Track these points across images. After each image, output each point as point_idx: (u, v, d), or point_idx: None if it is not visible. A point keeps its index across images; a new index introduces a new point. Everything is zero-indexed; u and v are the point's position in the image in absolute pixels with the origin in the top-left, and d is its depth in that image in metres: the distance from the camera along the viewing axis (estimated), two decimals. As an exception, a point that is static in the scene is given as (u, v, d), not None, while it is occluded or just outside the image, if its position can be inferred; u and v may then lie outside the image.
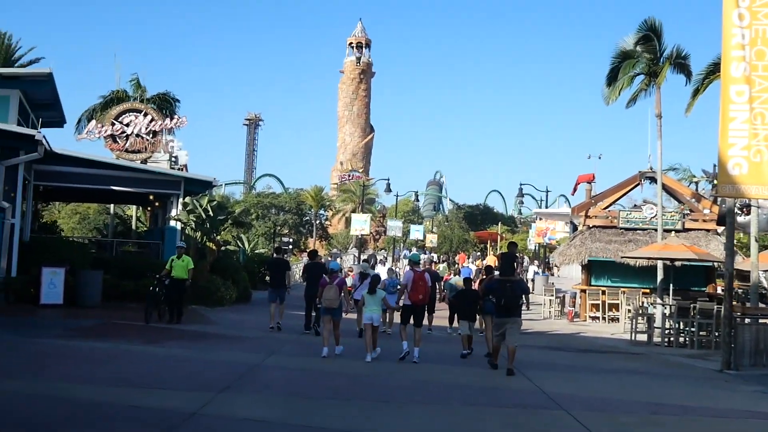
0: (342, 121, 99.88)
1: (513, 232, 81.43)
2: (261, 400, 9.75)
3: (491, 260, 48.82)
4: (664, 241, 21.93)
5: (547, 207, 43.90)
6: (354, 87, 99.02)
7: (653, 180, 28.97)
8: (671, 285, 21.56)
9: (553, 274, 46.33)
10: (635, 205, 30.20)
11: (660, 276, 23.07)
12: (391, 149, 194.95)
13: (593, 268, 27.70)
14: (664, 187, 29.61)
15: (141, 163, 25.53)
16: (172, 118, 26.89)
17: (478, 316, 16.72)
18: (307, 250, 26.85)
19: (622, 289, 26.41)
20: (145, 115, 26.52)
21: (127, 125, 26.13)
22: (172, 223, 24.65)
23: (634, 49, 23.31)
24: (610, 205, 29.18)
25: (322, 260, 22.40)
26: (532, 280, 40.81)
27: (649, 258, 22.36)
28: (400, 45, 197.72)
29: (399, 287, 16.23)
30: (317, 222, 74.93)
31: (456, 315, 17.24)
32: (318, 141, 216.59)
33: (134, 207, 37.76)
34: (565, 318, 27.60)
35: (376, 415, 9.37)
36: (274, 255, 21.44)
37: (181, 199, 24.26)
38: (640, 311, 21.57)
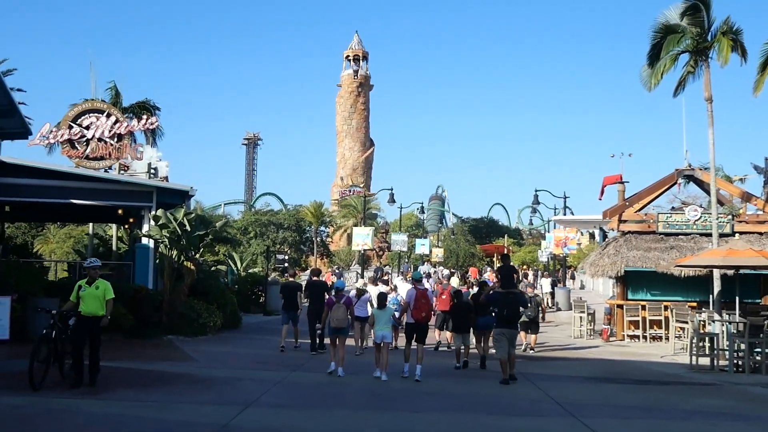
0: (341, 135, 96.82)
1: (519, 244, 78.69)
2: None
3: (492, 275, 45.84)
4: (726, 245, 18.39)
5: (565, 215, 40.21)
6: (352, 100, 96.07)
7: (692, 179, 25.62)
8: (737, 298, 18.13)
9: (564, 286, 42.43)
10: (673, 208, 26.64)
11: (717, 287, 19.62)
12: (392, 164, 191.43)
13: (629, 280, 24.22)
14: (704, 187, 26.25)
15: (105, 171, 22.04)
16: (140, 120, 23.25)
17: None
18: (310, 269, 24.66)
19: (665, 303, 22.99)
20: (108, 116, 22.66)
21: (87, 128, 22.35)
22: (144, 240, 21.21)
23: (680, 22, 19.88)
24: (643, 208, 25.78)
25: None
26: (552, 294, 37.19)
27: (711, 266, 18.83)
28: (398, 56, 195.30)
29: (401, 304, 16.08)
30: (318, 239, 71.60)
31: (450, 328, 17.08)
32: (317, 157, 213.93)
33: (114, 225, 34.29)
34: (599, 337, 24.11)
35: None
36: (289, 278, 20.76)
37: (153, 212, 20.81)
38: (702, 331, 18.04)
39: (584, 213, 40.57)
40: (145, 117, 22.84)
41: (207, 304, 21.91)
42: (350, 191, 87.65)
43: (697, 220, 23.74)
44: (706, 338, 17.65)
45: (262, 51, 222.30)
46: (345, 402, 11.27)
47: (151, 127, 23.09)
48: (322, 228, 76.12)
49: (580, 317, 24.86)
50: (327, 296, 16.73)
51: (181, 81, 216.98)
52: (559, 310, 34.87)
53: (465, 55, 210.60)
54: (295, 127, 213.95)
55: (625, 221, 24.69)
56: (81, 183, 20.55)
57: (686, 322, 20.34)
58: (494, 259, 60.60)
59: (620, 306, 24.02)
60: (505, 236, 74.02)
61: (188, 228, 20.48)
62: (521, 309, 14.45)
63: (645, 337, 23.25)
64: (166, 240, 20.25)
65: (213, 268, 35.34)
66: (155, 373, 13.66)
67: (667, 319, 22.67)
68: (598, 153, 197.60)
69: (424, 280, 33.84)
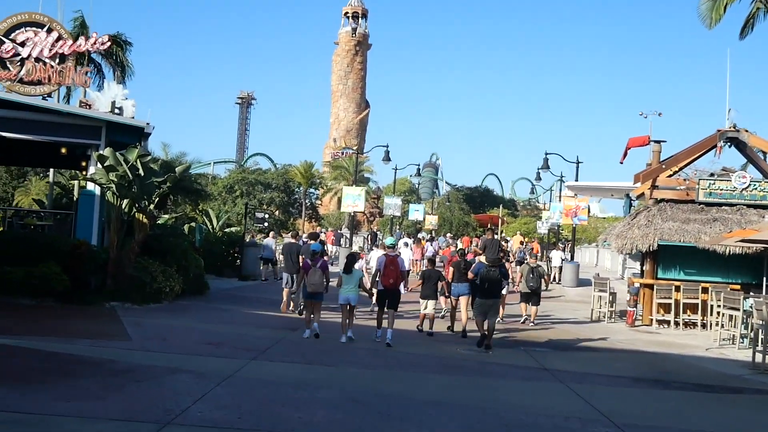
0: (336, 95, 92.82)
1: (514, 215, 76.09)
2: None
3: (518, 240, 42.79)
4: (806, 217, 14.85)
5: (577, 180, 36.35)
6: (349, 59, 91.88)
7: (734, 142, 22.03)
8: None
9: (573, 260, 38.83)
10: (712, 174, 23.10)
11: (776, 267, 16.21)
12: (387, 128, 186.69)
13: (661, 256, 20.74)
14: (747, 152, 22.75)
15: (43, 99, 18.19)
16: (87, 38, 19.09)
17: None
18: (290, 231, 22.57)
19: (702, 285, 19.59)
20: (50, 31, 18.44)
21: (23, 45, 18.21)
22: (89, 186, 17.62)
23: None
24: (674, 173, 22.29)
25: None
26: (560, 268, 33.81)
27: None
28: (399, 15, 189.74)
29: (372, 271, 16.70)
30: (307, 201, 68.00)
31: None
32: (311, 118, 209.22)
33: (78, 173, 30.56)
34: (623, 321, 20.71)
35: None
36: (291, 239, 20.78)
37: (100, 152, 17.14)
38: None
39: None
40: (94, 35, 18.64)
41: (165, 265, 18.40)
42: (343, 153, 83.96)
43: (744, 188, 20.29)
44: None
45: (258, 5, 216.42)
46: (316, 420, 7.72)
47: (102, 48, 18.90)
48: (312, 190, 72.58)
49: (599, 297, 21.45)
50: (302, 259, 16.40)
51: (177, 41, 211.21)
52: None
53: (467, 15, 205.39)
54: (290, 86, 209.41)
55: (657, 187, 21.23)
56: (12, 112, 16.85)
57: (737, 309, 16.91)
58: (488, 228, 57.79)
59: (649, 286, 20.59)
60: (500, 206, 70.86)
61: (142, 173, 16.87)
62: (503, 281, 15.31)
63: (677, 323, 19.87)
64: (114, 186, 16.65)
65: (186, 225, 31.83)
66: (64, 358, 10.04)
67: (704, 302, 19.34)
68: (609, 119, 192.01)
69: (429, 244, 32.85)
